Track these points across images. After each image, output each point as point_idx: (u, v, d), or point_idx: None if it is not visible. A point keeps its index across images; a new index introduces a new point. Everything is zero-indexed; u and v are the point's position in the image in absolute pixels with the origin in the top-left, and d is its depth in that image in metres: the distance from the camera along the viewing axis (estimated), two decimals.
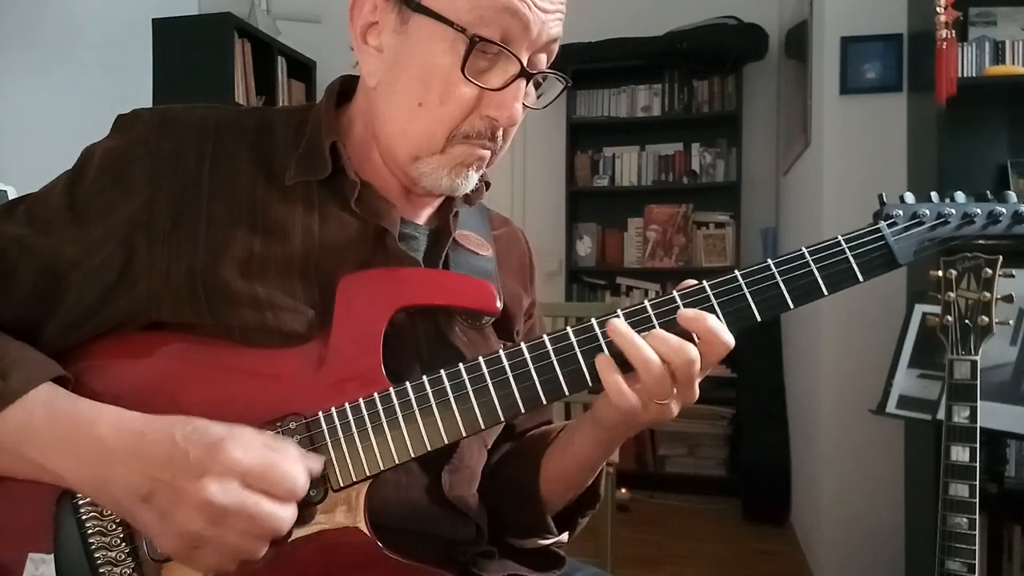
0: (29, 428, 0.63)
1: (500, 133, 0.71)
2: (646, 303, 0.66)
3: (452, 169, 0.71)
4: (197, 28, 3.18)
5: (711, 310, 0.66)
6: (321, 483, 0.64)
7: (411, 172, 0.72)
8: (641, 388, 0.64)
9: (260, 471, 0.59)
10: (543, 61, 0.71)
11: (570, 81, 0.75)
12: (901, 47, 2.29)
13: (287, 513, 0.60)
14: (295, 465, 0.61)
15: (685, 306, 0.65)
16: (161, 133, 0.70)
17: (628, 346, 0.63)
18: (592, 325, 0.65)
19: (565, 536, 0.84)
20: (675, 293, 0.67)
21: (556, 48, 0.72)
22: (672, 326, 0.64)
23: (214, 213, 0.69)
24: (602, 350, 0.65)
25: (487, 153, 0.72)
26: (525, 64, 0.68)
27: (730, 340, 0.64)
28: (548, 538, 0.82)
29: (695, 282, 0.67)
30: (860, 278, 0.67)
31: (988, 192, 0.74)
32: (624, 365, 0.64)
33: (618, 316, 0.65)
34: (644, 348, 0.62)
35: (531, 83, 0.72)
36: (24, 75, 2.77)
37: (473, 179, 0.73)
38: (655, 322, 0.65)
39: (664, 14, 3.65)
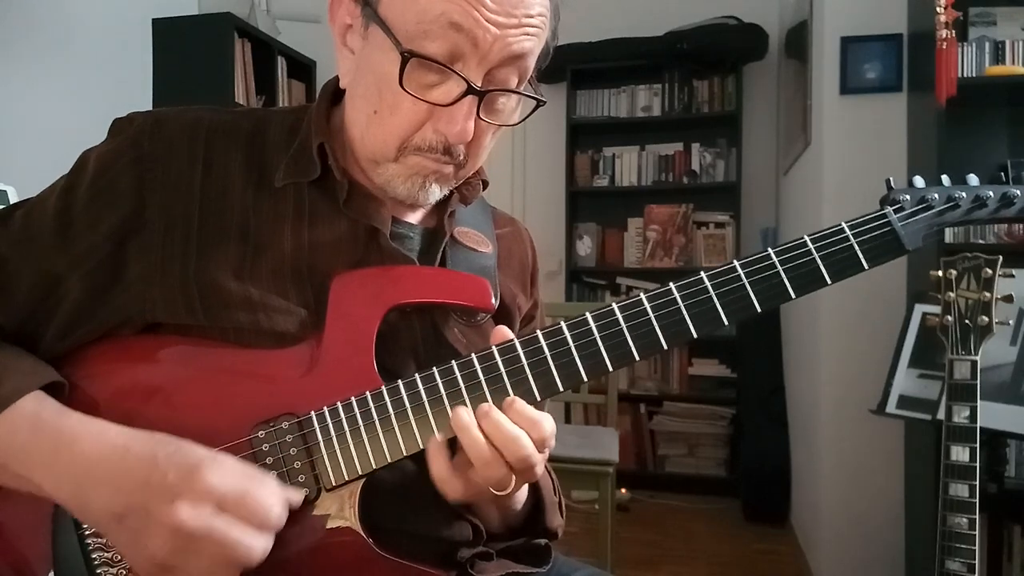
0: (13, 443, 0.63)
1: (460, 149, 0.69)
2: (642, 296, 0.66)
3: (408, 179, 0.70)
4: (197, 28, 3.18)
5: (707, 301, 0.65)
6: (314, 482, 0.64)
7: (373, 177, 0.72)
8: (476, 475, 0.62)
9: (235, 498, 0.58)
10: (510, 77, 0.67)
11: (543, 100, 0.70)
12: (901, 47, 2.29)
13: (259, 543, 0.59)
14: (271, 495, 0.60)
15: (682, 297, 0.65)
16: (153, 136, 0.70)
17: (465, 439, 0.61)
18: (587, 319, 0.65)
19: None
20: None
21: (529, 63, 0.68)
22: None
23: (206, 215, 0.69)
24: (597, 345, 0.64)
25: (446, 169, 0.70)
26: (480, 81, 0.65)
27: (544, 428, 0.62)
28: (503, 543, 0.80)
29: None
30: (865, 265, 0.66)
31: (1002, 175, 0.72)
32: None
33: (465, 404, 0.64)
34: (479, 443, 0.61)
35: (507, 97, 0.69)
36: (24, 75, 2.77)
37: (435, 191, 0.72)
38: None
39: (664, 14, 3.64)
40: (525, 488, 0.75)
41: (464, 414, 0.62)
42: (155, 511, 0.57)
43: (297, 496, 0.63)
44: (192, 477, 0.58)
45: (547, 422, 0.64)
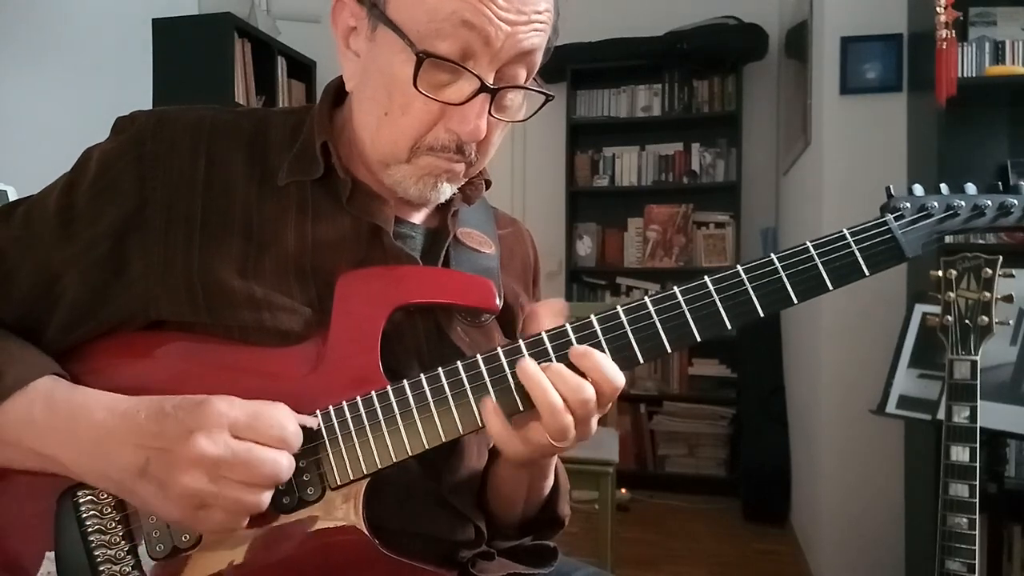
0: (29, 420, 0.63)
1: (472, 147, 0.70)
2: (646, 299, 0.66)
3: (420, 179, 0.70)
4: (197, 28, 3.18)
5: (711, 305, 0.65)
6: (319, 481, 0.64)
7: (383, 178, 0.72)
8: (540, 427, 0.63)
9: (248, 420, 0.59)
10: (519, 73, 0.68)
11: (551, 95, 0.71)
12: (901, 47, 2.29)
13: (283, 458, 0.60)
14: (283, 413, 0.61)
15: (685, 301, 0.65)
16: (156, 135, 0.71)
17: (536, 390, 0.62)
18: (592, 322, 0.65)
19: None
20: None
21: (536, 59, 0.69)
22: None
23: (209, 213, 0.69)
24: (602, 348, 0.65)
25: (457, 167, 0.70)
26: (491, 78, 0.66)
27: (618, 380, 0.63)
28: (511, 542, 0.81)
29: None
30: (866, 272, 0.66)
31: (999, 184, 0.73)
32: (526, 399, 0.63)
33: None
34: (550, 392, 0.61)
35: (515, 94, 0.70)
36: (24, 75, 2.77)
37: (446, 190, 0.72)
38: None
39: (664, 14, 3.65)
40: (552, 471, 0.78)
41: (530, 364, 0.62)
42: (175, 450, 0.58)
43: (312, 420, 0.63)
44: (201, 411, 0.59)
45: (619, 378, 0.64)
